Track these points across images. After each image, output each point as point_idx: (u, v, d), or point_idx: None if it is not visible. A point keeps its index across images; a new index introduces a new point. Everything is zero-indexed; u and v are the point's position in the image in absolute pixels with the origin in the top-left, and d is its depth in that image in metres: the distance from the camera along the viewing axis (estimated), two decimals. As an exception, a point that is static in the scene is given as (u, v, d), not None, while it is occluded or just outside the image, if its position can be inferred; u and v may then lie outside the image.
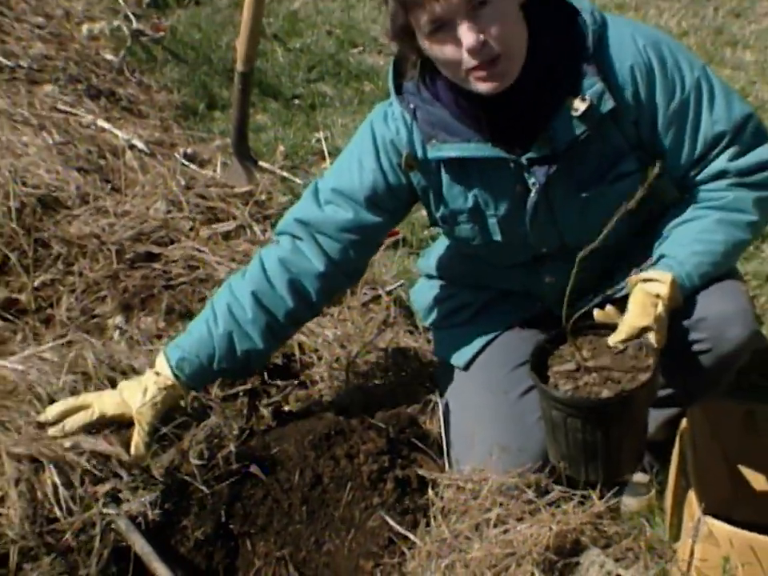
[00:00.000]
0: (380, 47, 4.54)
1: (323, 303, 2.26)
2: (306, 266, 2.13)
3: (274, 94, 4.13)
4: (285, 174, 3.51)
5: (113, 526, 1.94)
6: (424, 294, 2.45)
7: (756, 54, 4.41)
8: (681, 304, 1.92)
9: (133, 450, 2.03)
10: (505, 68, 1.82)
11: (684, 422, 2.14)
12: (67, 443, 1.99)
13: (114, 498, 1.98)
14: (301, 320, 2.27)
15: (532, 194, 1.99)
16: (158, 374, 2.10)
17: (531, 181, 1.97)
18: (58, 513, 1.91)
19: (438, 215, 2.13)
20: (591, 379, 1.83)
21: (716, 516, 1.89)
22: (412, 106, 1.99)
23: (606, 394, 1.79)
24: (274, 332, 2.17)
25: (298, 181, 3.48)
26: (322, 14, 4.82)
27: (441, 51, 1.81)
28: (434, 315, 2.41)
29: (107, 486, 1.99)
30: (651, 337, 1.83)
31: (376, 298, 2.77)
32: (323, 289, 2.17)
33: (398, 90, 2.02)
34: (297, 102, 4.11)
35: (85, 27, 4.36)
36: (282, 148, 3.70)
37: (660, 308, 1.84)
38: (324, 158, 3.65)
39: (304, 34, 4.62)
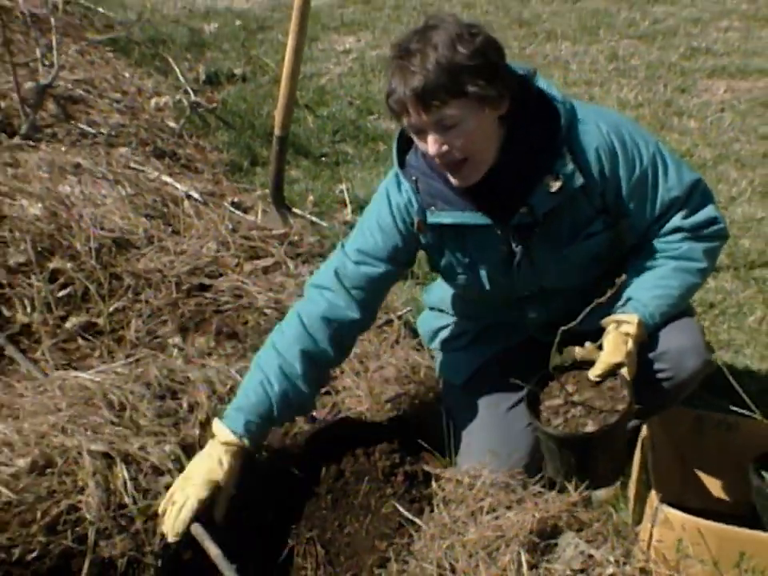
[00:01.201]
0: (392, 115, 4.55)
1: (353, 347, 2.19)
2: (345, 317, 2.03)
3: (305, 153, 4.15)
4: (314, 218, 3.51)
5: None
6: (428, 322, 2.43)
7: (698, 122, 4.43)
8: (646, 339, 1.91)
9: (218, 515, 1.92)
10: (468, 172, 1.82)
11: (644, 427, 2.12)
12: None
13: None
14: (337, 365, 2.24)
15: (516, 255, 1.97)
16: (225, 443, 1.92)
17: (515, 243, 1.95)
18: (127, 500, 1.91)
19: (439, 266, 2.11)
20: (577, 412, 1.83)
21: (671, 504, 1.88)
22: (414, 178, 1.95)
23: (590, 427, 1.79)
24: (320, 381, 2.11)
25: (324, 224, 3.48)
26: (344, 88, 4.84)
27: (419, 144, 1.83)
28: (436, 340, 2.38)
29: (167, 479, 1.98)
30: (624, 371, 1.84)
31: (389, 322, 2.76)
32: (356, 335, 2.14)
33: (402, 164, 1.98)
34: (324, 159, 4.13)
35: (153, 101, 4.39)
36: (311, 197, 3.71)
37: (630, 345, 1.85)
38: (346, 205, 3.65)
39: (330, 104, 4.65)
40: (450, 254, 2.04)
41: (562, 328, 1.74)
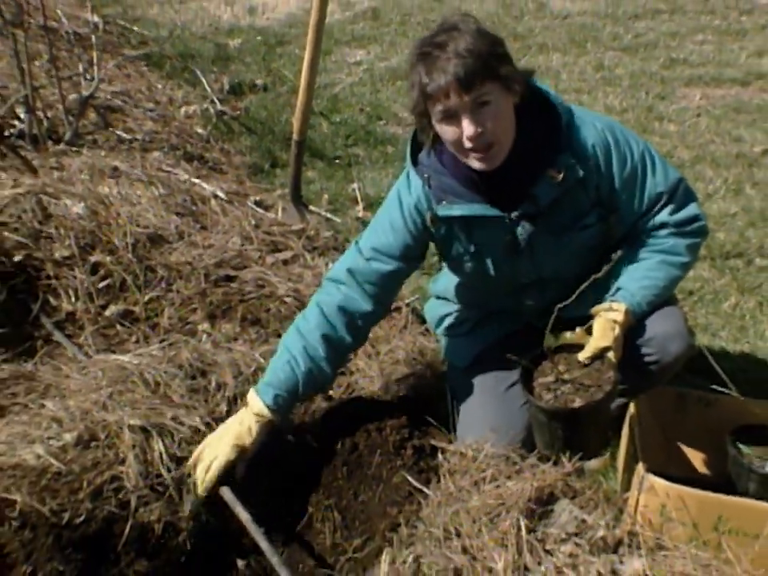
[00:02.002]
0: (399, 120, 4.52)
1: (369, 333, 2.17)
2: (359, 309, 2.02)
3: (321, 155, 4.12)
4: (328, 215, 3.49)
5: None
6: (434, 310, 2.41)
7: (677, 126, 4.39)
8: (633, 325, 1.90)
9: (238, 474, 1.93)
10: (495, 153, 1.80)
11: (631, 405, 2.11)
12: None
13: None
14: (355, 349, 2.22)
15: (520, 244, 1.95)
16: (257, 415, 1.93)
17: (519, 231, 1.93)
18: (163, 471, 1.90)
19: (448, 257, 2.09)
20: (567, 389, 1.82)
21: (655, 473, 1.86)
22: (426, 175, 1.94)
23: (578, 403, 1.78)
24: (340, 362, 2.10)
25: (338, 220, 3.46)
26: (356, 96, 4.80)
27: (447, 133, 1.79)
28: (441, 326, 2.36)
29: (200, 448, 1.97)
30: (611, 355, 1.82)
31: (397, 309, 2.74)
32: (371, 324, 2.12)
33: (415, 162, 1.97)
34: (337, 161, 4.10)
35: (182, 109, 4.37)
36: (326, 196, 3.69)
37: (617, 331, 1.83)
38: (357, 203, 3.62)
39: (343, 111, 4.61)
40: (458, 245, 2.02)
41: (558, 306, 1.73)
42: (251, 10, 6.19)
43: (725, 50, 5.37)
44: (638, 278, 1.93)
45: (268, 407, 1.93)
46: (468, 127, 1.74)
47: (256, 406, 1.94)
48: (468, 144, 1.77)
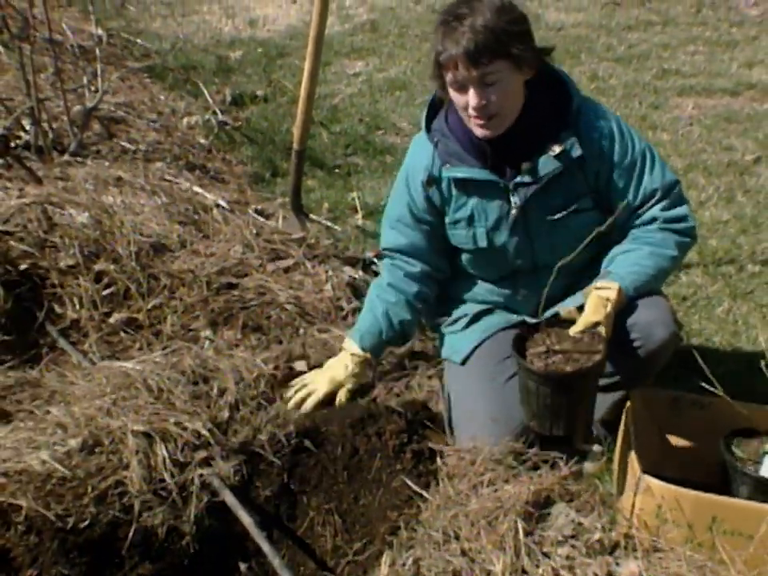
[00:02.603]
0: (397, 130, 4.52)
1: (432, 288, 2.27)
2: (417, 273, 2.20)
3: (321, 164, 4.13)
4: (328, 223, 3.49)
5: (207, 482, 1.92)
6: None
7: (670, 135, 4.41)
8: (623, 306, 1.92)
9: (339, 403, 2.15)
10: (496, 124, 1.89)
11: (627, 406, 2.10)
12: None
13: (207, 463, 1.96)
14: (431, 305, 2.30)
15: (513, 211, 2.01)
16: (352, 354, 2.18)
17: (514, 200, 1.99)
18: (166, 476, 1.90)
19: (447, 222, 2.14)
20: (557, 359, 1.84)
21: (651, 475, 1.86)
22: (435, 139, 2.03)
23: (569, 368, 1.80)
24: (410, 307, 2.22)
25: (338, 228, 3.45)
26: (355, 107, 4.81)
27: (457, 99, 1.89)
28: (438, 325, 2.38)
29: (202, 454, 1.97)
30: (602, 329, 1.84)
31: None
32: (436, 281, 2.26)
33: (428, 128, 2.07)
34: (337, 170, 4.10)
35: (185, 120, 4.37)
36: (326, 204, 3.69)
37: (609, 308, 1.86)
38: (357, 211, 3.62)
39: (342, 121, 4.62)
40: (454, 210, 2.09)
41: (561, 263, 1.77)
42: (252, 23, 6.21)
43: (716, 61, 5.40)
44: (627, 265, 1.97)
45: (360, 347, 2.17)
46: (473, 98, 1.83)
47: (350, 348, 2.19)
48: (472, 112, 1.87)
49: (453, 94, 1.89)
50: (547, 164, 1.93)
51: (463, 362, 2.24)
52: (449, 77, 1.85)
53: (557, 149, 1.91)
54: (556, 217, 2.00)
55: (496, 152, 1.96)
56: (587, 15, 6.33)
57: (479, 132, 1.91)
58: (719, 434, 2.03)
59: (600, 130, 1.96)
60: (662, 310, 1.99)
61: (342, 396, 2.16)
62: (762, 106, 4.74)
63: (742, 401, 2.06)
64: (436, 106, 2.08)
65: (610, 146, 1.97)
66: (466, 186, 2.04)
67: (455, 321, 2.32)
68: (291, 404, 2.14)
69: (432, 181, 2.06)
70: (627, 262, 1.97)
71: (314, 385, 2.17)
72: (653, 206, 2.00)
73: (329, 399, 2.16)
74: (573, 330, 1.86)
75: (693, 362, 1.93)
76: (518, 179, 1.96)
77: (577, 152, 1.93)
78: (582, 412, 1.91)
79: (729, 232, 3.46)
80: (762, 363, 1.81)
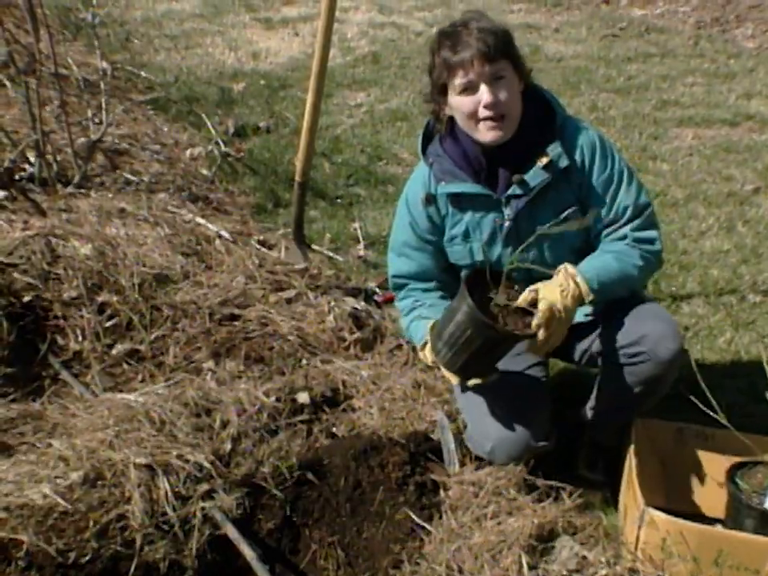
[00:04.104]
0: (399, 160, 4.56)
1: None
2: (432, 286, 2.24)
3: (323, 195, 4.15)
4: (330, 254, 3.50)
5: (210, 516, 1.91)
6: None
7: (670, 165, 4.43)
8: (584, 299, 1.94)
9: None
10: (507, 125, 1.96)
11: (632, 437, 2.10)
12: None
13: (210, 496, 1.95)
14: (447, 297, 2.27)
15: (506, 223, 2.07)
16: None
17: (507, 212, 2.06)
18: (168, 509, 1.89)
19: (444, 239, 2.18)
20: (501, 318, 1.90)
21: (655, 508, 1.85)
22: (431, 160, 2.11)
23: (498, 326, 1.85)
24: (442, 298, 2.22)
25: (340, 259, 3.47)
26: (356, 138, 4.85)
27: (464, 105, 1.94)
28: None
29: (204, 487, 1.97)
30: (541, 334, 1.87)
31: (398, 347, 2.74)
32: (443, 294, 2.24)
33: (424, 152, 2.14)
34: (339, 201, 4.12)
35: (188, 151, 4.41)
36: (328, 235, 3.70)
37: (568, 298, 1.90)
38: (359, 242, 3.64)
39: (344, 152, 4.66)
40: (450, 227, 2.15)
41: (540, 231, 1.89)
42: (255, 55, 6.28)
43: (714, 92, 5.45)
44: (592, 263, 2.01)
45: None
46: (487, 95, 1.90)
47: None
48: (484, 113, 1.92)
49: (460, 100, 1.95)
50: (536, 176, 2.00)
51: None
52: (457, 81, 1.92)
53: (544, 160, 1.99)
54: (546, 227, 2.03)
55: (490, 164, 2.03)
56: (586, 47, 6.41)
57: (490, 135, 1.96)
58: (724, 466, 2.03)
59: (583, 142, 2.04)
60: (670, 324, 2.03)
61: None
62: (760, 136, 4.78)
63: (745, 432, 2.06)
64: (430, 135, 2.15)
65: (592, 158, 2.04)
66: (460, 202, 2.10)
67: None
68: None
69: (430, 198, 2.13)
70: (592, 261, 2.03)
71: None
72: (624, 224, 2.05)
73: None
74: (521, 299, 1.90)
75: (696, 392, 1.94)
76: (510, 192, 2.03)
77: (564, 162, 2.00)
78: (479, 362, 1.95)
79: (730, 262, 3.47)
80: (766, 393, 1.82)
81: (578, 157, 2.03)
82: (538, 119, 2.02)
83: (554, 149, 2.00)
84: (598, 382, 2.18)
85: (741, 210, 3.92)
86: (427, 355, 2.10)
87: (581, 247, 2.10)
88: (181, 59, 5.87)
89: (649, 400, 2.11)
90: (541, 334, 1.86)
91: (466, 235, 2.13)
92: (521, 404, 2.07)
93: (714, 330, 3.00)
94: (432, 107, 2.08)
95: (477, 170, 2.07)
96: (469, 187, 2.06)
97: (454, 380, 2.03)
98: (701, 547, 1.80)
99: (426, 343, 2.09)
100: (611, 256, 2.03)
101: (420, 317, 2.17)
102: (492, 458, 2.05)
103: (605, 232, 2.08)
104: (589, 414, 2.26)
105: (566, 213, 2.04)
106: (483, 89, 1.91)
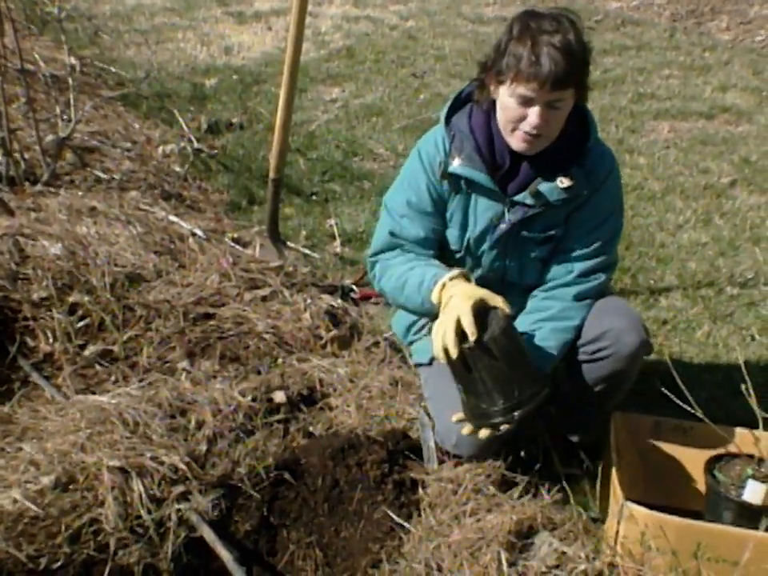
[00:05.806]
0: (375, 156, 4.55)
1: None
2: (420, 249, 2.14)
3: (298, 191, 4.14)
4: (306, 251, 3.49)
5: (185, 518, 1.90)
6: (401, 321, 2.44)
7: (647, 158, 4.48)
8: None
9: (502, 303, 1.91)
10: (540, 143, 1.93)
11: (610, 431, 2.12)
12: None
13: (185, 498, 1.94)
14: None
15: (502, 225, 2.06)
16: (453, 278, 1.96)
17: (508, 216, 2.04)
18: (143, 512, 1.88)
19: (447, 215, 2.15)
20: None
21: (634, 501, 1.87)
22: (452, 133, 2.04)
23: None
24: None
25: (316, 256, 3.46)
26: (331, 133, 4.85)
27: (510, 109, 1.89)
28: (408, 335, 2.41)
29: (180, 489, 1.96)
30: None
31: (376, 344, 2.74)
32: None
33: (447, 122, 2.07)
34: (314, 197, 4.11)
35: (160, 148, 4.37)
36: (303, 232, 3.70)
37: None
38: (335, 238, 3.64)
39: (319, 148, 4.65)
40: (453, 209, 2.11)
41: None
42: (227, 50, 6.24)
43: (690, 85, 5.52)
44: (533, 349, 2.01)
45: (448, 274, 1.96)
46: (536, 118, 1.86)
47: (445, 279, 1.95)
48: (525, 128, 1.89)
49: (509, 102, 1.88)
50: (553, 193, 1.99)
51: (429, 363, 2.26)
52: (518, 88, 1.84)
53: (566, 182, 1.97)
54: (530, 244, 2.07)
55: (512, 164, 2.00)
56: (562, 40, 6.46)
57: (520, 146, 1.94)
58: (702, 459, 2.05)
59: (601, 177, 2.04)
60: (631, 318, 2.05)
61: (495, 302, 1.89)
62: (736, 128, 4.85)
63: (723, 425, 2.09)
64: (460, 104, 2.08)
65: (603, 194, 2.05)
66: (467, 188, 2.06)
67: (423, 327, 2.35)
68: (440, 353, 1.87)
69: (446, 176, 2.07)
70: (534, 352, 1.99)
71: (452, 314, 1.85)
72: (586, 260, 2.08)
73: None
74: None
75: (674, 385, 1.96)
76: (519, 197, 2.01)
77: (582, 191, 2.00)
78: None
79: (707, 255, 3.52)
80: (743, 387, 1.84)
81: (590, 187, 2.03)
82: (572, 134, 1.99)
83: (578, 174, 1.99)
84: (561, 381, 2.19)
85: (718, 203, 3.97)
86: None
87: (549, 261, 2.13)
88: (152, 54, 5.80)
89: (613, 396, 2.14)
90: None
91: (462, 223, 2.11)
92: None
93: (693, 323, 3.03)
94: (482, 77, 1.98)
95: (498, 164, 2.02)
96: (481, 178, 2.02)
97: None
98: (680, 540, 1.82)
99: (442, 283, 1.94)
100: (548, 330, 2.03)
101: (427, 265, 2.05)
102: (459, 451, 2.04)
103: (558, 268, 2.10)
104: (554, 412, 2.28)
105: (551, 233, 2.06)
106: (536, 110, 1.85)
